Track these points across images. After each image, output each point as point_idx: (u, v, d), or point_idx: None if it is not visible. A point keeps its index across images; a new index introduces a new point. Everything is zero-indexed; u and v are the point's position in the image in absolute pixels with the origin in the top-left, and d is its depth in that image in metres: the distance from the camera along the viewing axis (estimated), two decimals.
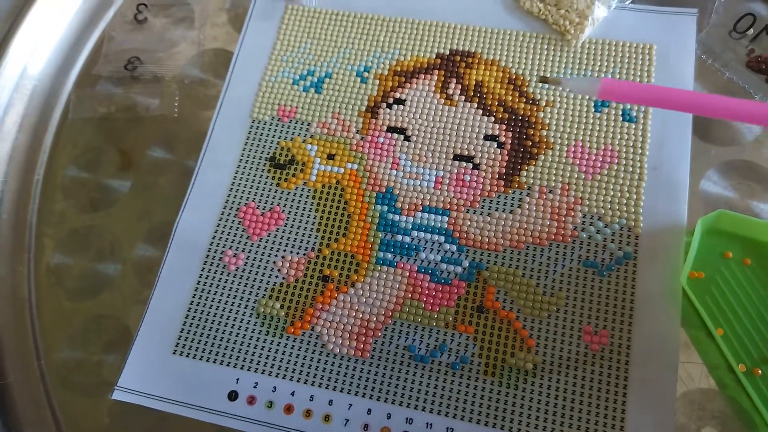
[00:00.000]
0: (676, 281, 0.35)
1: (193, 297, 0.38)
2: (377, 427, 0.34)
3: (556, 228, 0.38)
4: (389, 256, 0.38)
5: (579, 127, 0.41)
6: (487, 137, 0.41)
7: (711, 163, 0.39)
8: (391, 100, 0.43)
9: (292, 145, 0.42)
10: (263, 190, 0.41)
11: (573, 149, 0.40)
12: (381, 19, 0.46)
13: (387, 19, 0.46)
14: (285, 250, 0.39)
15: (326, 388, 0.35)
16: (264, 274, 0.39)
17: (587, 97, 0.41)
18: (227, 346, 0.37)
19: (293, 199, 0.41)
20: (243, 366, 0.36)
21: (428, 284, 0.37)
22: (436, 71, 0.44)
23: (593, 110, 0.41)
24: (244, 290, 0.38)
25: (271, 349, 0.37)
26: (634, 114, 0.40)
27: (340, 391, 0.35)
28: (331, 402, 0.35)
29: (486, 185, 0.40)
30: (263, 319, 0.37)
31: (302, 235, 0.40)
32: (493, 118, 0.41)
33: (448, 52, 0.44)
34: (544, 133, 0.41)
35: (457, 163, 0.40)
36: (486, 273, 0.37)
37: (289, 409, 0.35)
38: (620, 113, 0.40)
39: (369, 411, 0.35)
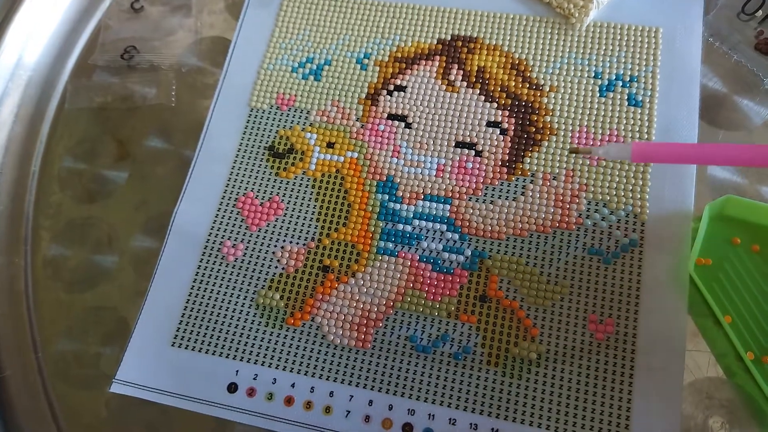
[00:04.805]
0: (683, 268, 0.35)
1: (192, 288, 0.38)
2: (379, 419, 0.34)
3: (560, 215, 0.37)
4: (390, 245, 0.38)
5: (584, 112, 0.40)
6: (489, 124, 0.40)
7: None
8: (391, 87, 0.42)
9: (291, 134, 0.42)
10: (262, 179, 0.40)
11: (578, 135, 0.39)
12: (381, 5, 0.45)
13: (387, 4, 0.45)
14: (284, 240, 0.39)
15: (327, 379, 0.35)
16: (263, 264, 0.38)
17: (591, 81, 0.40)
18: (226, 338, 0.36)
19: (292, 189, 0.40)
20: (242, 358, 0.36)
21: (430, 273, 0.37)
22: (438, 57, 0.43)
23: (598, 95, 0.40)
24: (243, 281, 0.38)
25: (270, 340, 0.36)
26: (640, 98, 0.39)
27: (341, 383, 0.35)
28: (331, 393, 0.35)
29: (489, 172, 0.39)
30: (263, 310, 0.37)
31: (302, 225, 0.39)
32: (495, 104, 0.41)
33: (449, 38, 0.43)
34: (548, 118, 0.40)
35: (459, 150, 0.40)
36: (489, 262, 0.37)
37: (289, 400, 0.35)
38: (626, 98, 0.40)
39: (370, 402, 0.34)
